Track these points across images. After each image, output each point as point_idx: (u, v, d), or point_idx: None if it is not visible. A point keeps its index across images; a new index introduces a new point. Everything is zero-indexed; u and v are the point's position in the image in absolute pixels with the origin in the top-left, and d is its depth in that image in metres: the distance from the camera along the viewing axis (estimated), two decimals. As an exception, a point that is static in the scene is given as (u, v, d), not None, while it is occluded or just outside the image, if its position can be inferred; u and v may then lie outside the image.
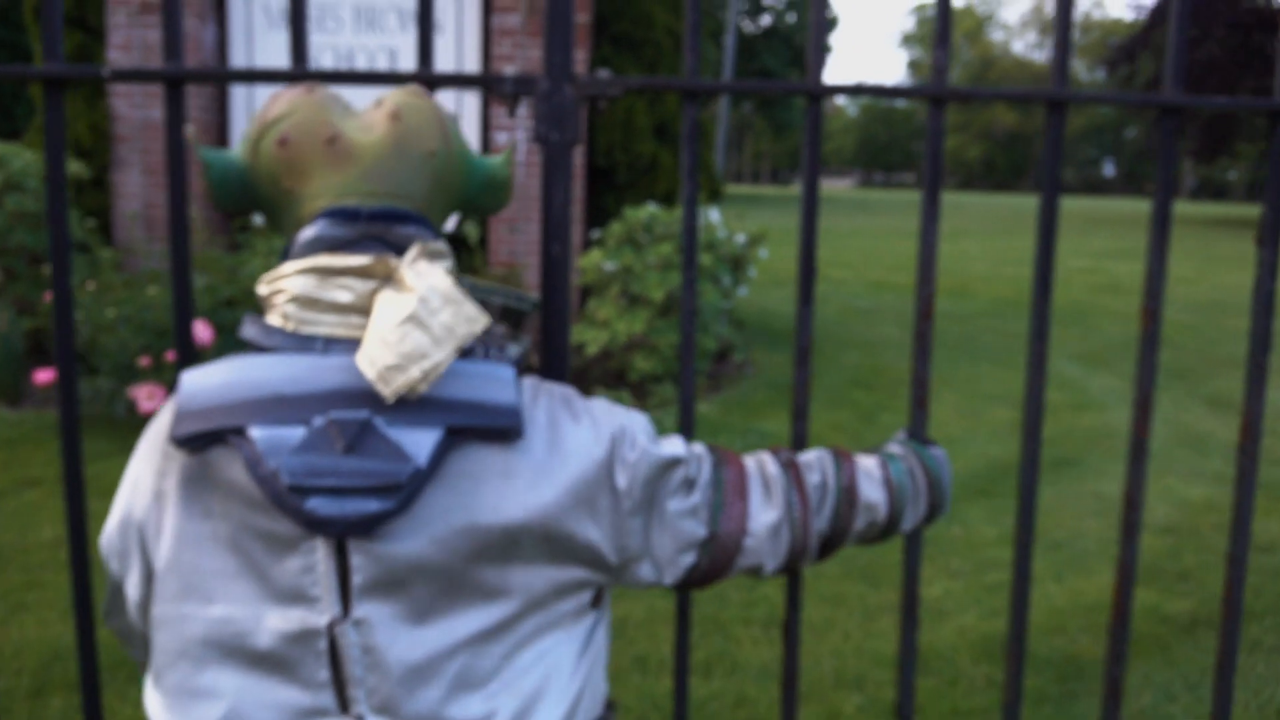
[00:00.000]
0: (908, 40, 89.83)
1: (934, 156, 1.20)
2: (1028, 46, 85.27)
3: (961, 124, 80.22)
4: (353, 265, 0.80)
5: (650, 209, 5.76)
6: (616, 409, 0.90)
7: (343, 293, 0.80)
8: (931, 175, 1.20)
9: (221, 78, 1.10)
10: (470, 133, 6.29)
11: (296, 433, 0.75)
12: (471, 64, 6.23)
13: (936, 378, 6.33)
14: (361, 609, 0.77)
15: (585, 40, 6.14)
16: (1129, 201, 53.06)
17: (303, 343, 0.80)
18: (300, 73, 1.08)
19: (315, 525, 0.74)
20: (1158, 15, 24.92)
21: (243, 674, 0.78)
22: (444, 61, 6.23)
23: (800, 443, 1.23)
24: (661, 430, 4.72)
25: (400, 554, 0.77)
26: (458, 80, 1.11)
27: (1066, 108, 1.20)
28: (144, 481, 0.82)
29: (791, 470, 0.99)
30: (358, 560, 0.76)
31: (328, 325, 0.81)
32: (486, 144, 6.28)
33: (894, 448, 1.14)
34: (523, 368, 0.88)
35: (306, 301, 0.81)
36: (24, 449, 4.20)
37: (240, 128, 6.34)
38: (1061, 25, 1.19)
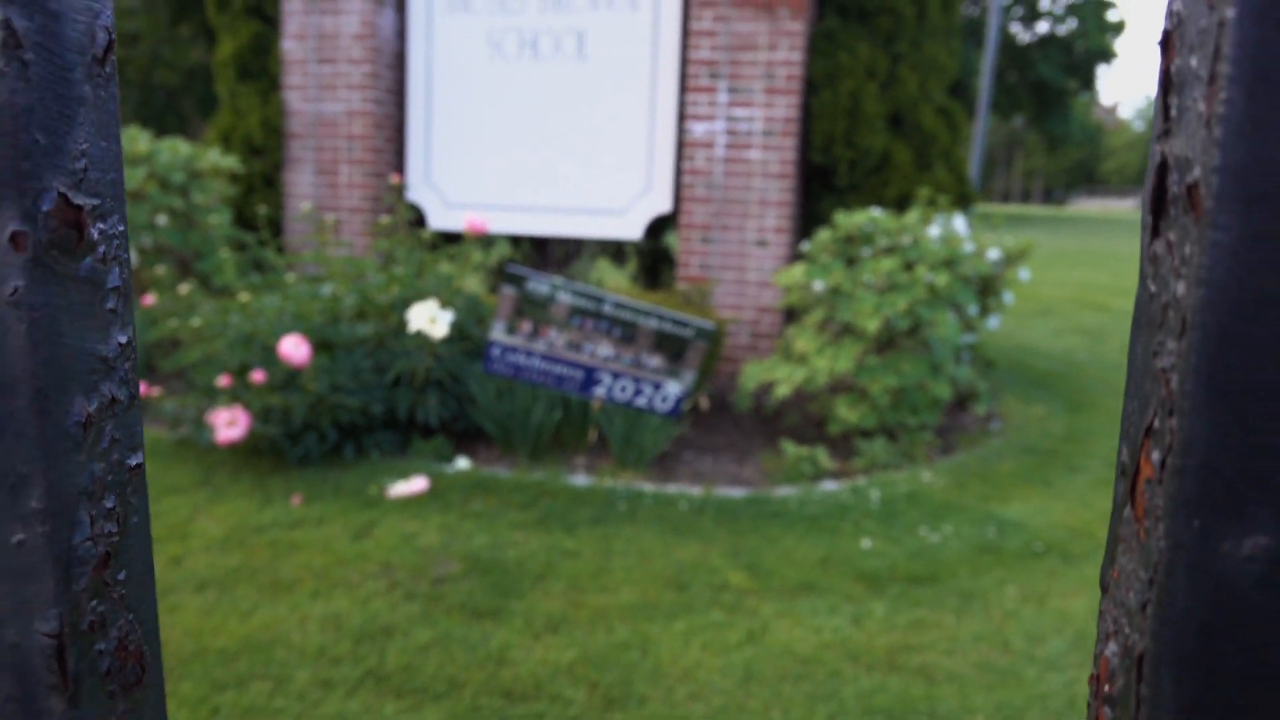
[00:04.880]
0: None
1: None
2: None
3: None
4: None
5: (871, 214, 4.52)
6: None
7: None
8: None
9: None
10: (666, 123, 5.32)
11: None
12: (669, 41, 5.27)
13: None
14: None
15: (803, 9, 5.00)
16: None
17: None
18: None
19: None
20: None
21: None
22: (639, 40, 5.31)
23: None
24: (862, 511, 3.48)
25: None
26: None
27: None
28: None
29: None
30: None
31: None
32: (682, 135, 5.29)
33: None
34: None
35: None
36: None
37: (419, 120, 5.73)
38: None
